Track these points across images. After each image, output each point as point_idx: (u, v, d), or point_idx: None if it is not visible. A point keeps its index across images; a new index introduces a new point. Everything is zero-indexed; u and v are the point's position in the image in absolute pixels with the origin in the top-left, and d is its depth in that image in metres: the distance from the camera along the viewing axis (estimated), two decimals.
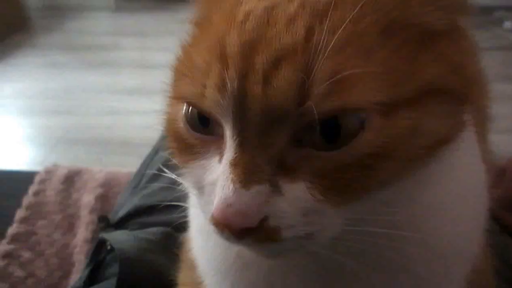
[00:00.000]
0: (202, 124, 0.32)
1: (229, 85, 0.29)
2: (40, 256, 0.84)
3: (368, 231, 0.31)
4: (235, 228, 0.28)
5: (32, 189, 0.94)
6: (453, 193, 0.37)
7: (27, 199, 0.92)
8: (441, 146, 0.31)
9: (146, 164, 0.80)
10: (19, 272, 0.80)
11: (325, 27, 0.28)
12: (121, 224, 0.66)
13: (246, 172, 0.29)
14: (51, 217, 0.90)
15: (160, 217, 0.65)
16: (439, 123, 0.30)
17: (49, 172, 1.00)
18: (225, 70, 0.29)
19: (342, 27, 0.28)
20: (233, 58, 0.29)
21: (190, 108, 0.33)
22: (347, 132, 0.28)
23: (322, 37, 0.28)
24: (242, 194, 0.28)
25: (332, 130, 0.28)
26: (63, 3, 3.02)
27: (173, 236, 0.58)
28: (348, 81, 0.28)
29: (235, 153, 0.29)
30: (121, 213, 0.67)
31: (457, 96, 0.31)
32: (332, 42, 0.28)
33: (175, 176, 0.36)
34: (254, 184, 0.29)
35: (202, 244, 0.42)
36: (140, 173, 0.77)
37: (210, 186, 0.31)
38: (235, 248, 0.37)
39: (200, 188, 0.32)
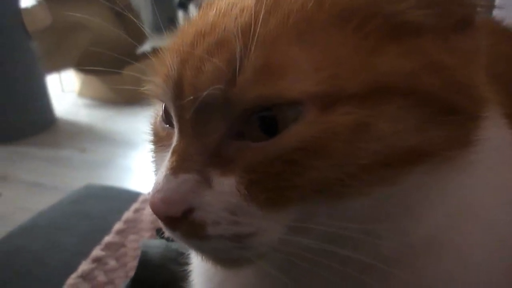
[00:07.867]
0: None
1: (171, 71, 0.30)
2: (123, 267, 0.90)
3: (325, 249, 0.27)
4: (160, 216, 0.28)
5: (134, 206, 1.03)
6: (467, 234, 0.30)
7: (127, 214, 1.01)
8: (414, 160, 0.26)
9: None
10: (102, 277, 0.87)
11: (269, 16, 0.27)
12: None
13: (178, 159, 0.29)
14: (142, 233, 0.97)
15: None
16: (404, 130, 0.25)
17: None
18: (174, 59, 0.30)
19: (283, 16, 0.27)
20: (184, 47, 0.30)
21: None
22: (283, 125, 0.26)
23: (262, 26, 0.27)
24: (170, 181, 0.28)
25: (270, 122, 0.26)
26: None
27: None
28: (279, 70, 0.26)
29: (176, 141, 0.30)
30: None
31: (439, 102, 0.26)
32: (268, 30, 0.27)
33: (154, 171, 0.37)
34: (182, 172, 0.28)
35: None
36: None
37: None
38: None
39: None
